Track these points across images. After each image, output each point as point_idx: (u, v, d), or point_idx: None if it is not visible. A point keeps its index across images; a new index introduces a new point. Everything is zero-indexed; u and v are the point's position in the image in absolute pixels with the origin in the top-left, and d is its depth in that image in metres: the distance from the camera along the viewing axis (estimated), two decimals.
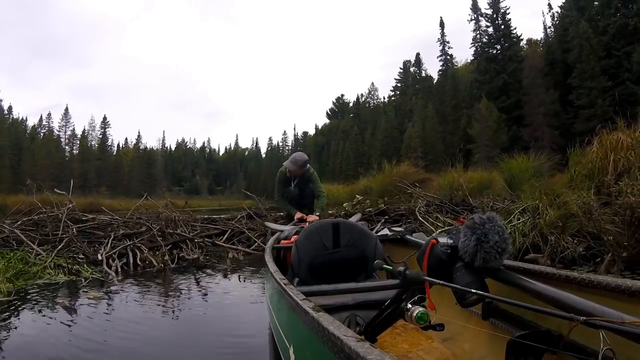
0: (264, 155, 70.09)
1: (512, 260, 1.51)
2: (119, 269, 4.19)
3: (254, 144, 76.53)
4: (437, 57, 39.92)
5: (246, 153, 76.70)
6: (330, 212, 6.94)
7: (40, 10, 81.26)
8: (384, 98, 53.18)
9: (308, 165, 3.71)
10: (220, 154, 77.94)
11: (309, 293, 1.48)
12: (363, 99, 56.56)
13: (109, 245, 4.64)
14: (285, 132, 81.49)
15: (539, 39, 33.53)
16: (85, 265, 4.14)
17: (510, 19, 32.46)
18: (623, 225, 2.91)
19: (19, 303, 2.99)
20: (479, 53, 33.40)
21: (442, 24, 39.08)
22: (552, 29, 32.13)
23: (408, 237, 2.41)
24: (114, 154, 52.78)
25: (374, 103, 54.99)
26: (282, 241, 2.55)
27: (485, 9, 33.20)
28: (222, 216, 7.03)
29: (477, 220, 1.37)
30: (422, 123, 36.86)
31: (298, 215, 3.49)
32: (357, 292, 1.59)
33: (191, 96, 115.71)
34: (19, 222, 5.23)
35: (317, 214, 3.52)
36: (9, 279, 3.46)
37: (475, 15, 33.64)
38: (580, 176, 4.43)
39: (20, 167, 38.00)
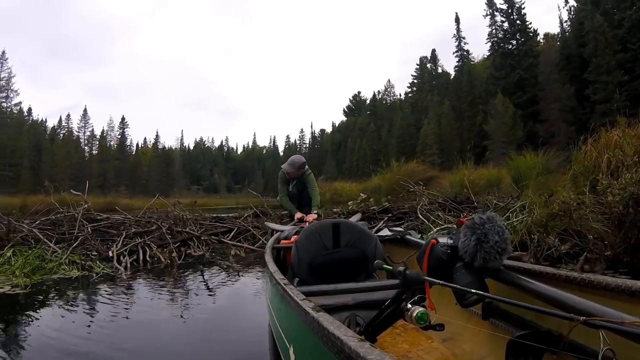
0: (281, 154, 69.04)
1: (511, 260, 1.51)
2: (128, 265, 4.39)
3: (272, 142, 76.27)
4: (453, 53, 39.82)
5: (264, 151, 76.15)
6: (334, 210, 6.99)
7: (56, 11, 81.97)
8: (400, 95, 53.10)
9: (306, 166, 3.83)
10: (238, 152, 77.64)
11: (309, 293, 1.48)
12: (380, 96, 56.24)
13: (120, 242, 4.90)
14: (302, 130, 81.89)
15: (556, 33, 33.34)
16: (97, 262, 4.42)
17: (525, 14, 32.05)
18: (608, 223, 2.92)
19: (34, 296, 3.25)
20: (495, 48, 33.15)
21: (457, 20, 38.73)
22: (569, 24, 31.59)
23: (408, 237, 2.42)
24: (133, 153, 53.03)
25: (390, 100, 54.65)
26: (282, 241, 2.55)
27: (500, 4, 32.92)
28: (230, 215, 7.24)
29: (477, 221, 1.37)
30: (438, 120, 36.51)
31: (298, 215, 3.53)
32: (357, 292, 1.59)
33: (209, 95, 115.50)
34: (37, 222, 5.51)
35: (315, 212, 3.56)
36: (26, 274, 3.78)
37: (490, 11, 33.32)
38: (577, 174, 4.45)
39: (40, 167, 38.31)
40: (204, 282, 3.86)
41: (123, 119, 51.44)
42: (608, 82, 24.62)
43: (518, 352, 1.20)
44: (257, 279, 3.88)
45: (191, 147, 67.94)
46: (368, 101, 58.80)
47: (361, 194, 7.55)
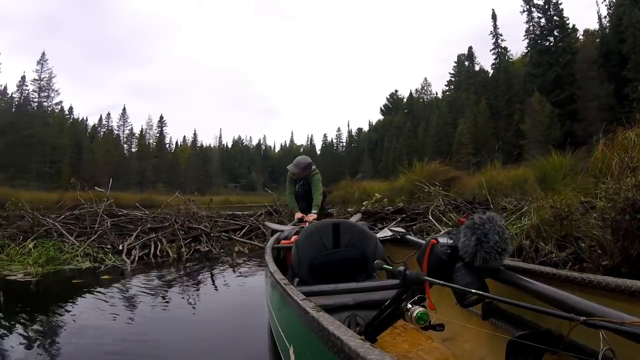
0: (318, 152, 68.54)
1: (512, 260, 1.51)
2: (136, 258, 4.61)
3: (309, 141, 75.53)
4: (490, 51, 38.44)
5: (301, 150, 74.74)
6: (349, 209, 7.02)
7: (97, 13, 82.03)
8: (436, 93, 52.52)
9: (313, 167, 3.85)
10: (276, 150, 76.91)
11: (309, 293, 1.48)
12: (417, 94, 55.57)
13: (133, 237, 5.15)
14: (339, 128, 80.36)
15: (595, 29, 31.54)
16: (110, 255, 4.67)
17: (562, 10, 30.88)
18: (604, 230, 2.71)
19: (40, 283, 3.53)
20: (532, 45, 31.86)
21: (494, 16, 37.75)
22: (607, 19, 29.86)
23: (408, 237, 2.42)
24: (172, 151, 53.60)
25: (427, 98, 54.01)
26: (282, 241, 2.55)
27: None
28: (245, 212, 7.49)
29: (477, 221, 1.37)
30: (474, 118, 35.88)
31: (298, 215, 3.56)
32: (357, 292, 1.59)
33: (247, 94, 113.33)
34: (62, 216, 5.83)
35: (315, 212, 3.56)
36: (40, 264, 4.06)
37: (527, 7, 32.06)
38: (589, 176, 4.34)
39: (81, 165, 38.97)
40: (207, 277, 3.98)
41: (161, 117, 52.40)
42: None
43: (518, 352, 1.19)
44: (257, 275, 3.95)
45: (229, 146, 68.19)
46: (405, 99, 58.11)
47: (376, 194, 7.51)
